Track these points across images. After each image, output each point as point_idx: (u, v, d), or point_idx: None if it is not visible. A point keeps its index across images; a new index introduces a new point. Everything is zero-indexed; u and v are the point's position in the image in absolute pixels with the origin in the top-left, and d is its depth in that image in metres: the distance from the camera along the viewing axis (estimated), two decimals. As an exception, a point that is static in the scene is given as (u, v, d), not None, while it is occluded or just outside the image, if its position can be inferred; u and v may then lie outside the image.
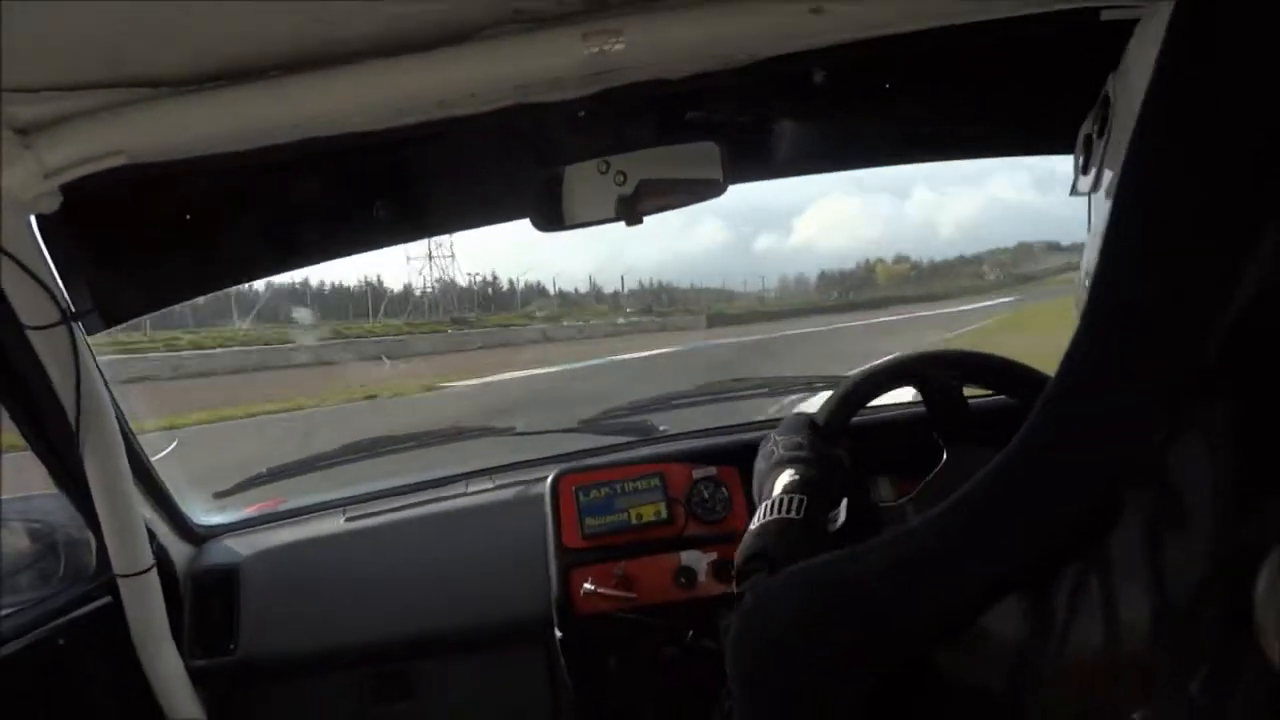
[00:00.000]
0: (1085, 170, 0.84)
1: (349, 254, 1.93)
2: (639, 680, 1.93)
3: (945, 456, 1.30)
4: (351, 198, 1.77)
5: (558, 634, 1.87)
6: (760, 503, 1.22)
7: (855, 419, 1.43)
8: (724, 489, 1.92)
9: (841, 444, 1.35)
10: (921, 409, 1.88)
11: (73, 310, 1.47)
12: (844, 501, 1.16)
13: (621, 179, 1.47)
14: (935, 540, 0.60)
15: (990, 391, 1.46)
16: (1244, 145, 0.43)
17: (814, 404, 1.79)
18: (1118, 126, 0.78)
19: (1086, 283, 0.82)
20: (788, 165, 1.89)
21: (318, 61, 1.15)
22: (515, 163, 1.54)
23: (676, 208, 1.50)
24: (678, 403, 2.55)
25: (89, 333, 1.58)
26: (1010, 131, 1.58)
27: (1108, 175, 0.79)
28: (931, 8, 1.19)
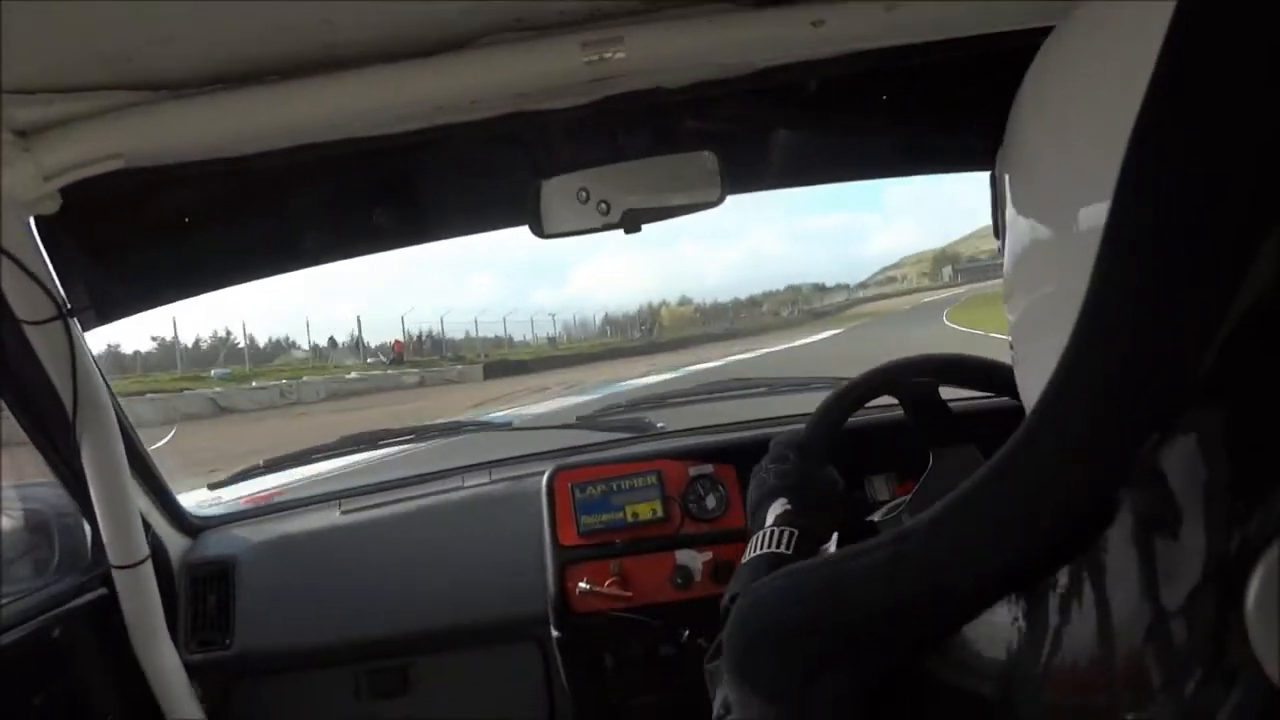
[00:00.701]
0: (998, 236, 0.85)
1: (345, 257, 1.94)
2: (635, 679, 1.93)
3: (931, 461, 1.30)
4: (349, 202, 1.78)
5: (554, 632, 1.87)
6: (753, 533, 1.23)
7: (850, 421, 1.43)
8: (720, 487, 1.91)
9: (829, 462, 1.35)
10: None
11: (69, 306, 1.47)
12: (834, 536, 1.17)
13: (605, 208, 1.47)
14: (929, 541, 0.60)
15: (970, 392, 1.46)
16: (1248, 147, 0.43)
17: (810, 403, 1.80)
18: (1008, 196, 0.79)
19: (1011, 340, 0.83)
20: (786, 176, 1.90)
21: (317, 66, 1.15)
22: (513, 170, 1.53)
23: (674, 216, 1.50)
24: (675, 400, 2.55)
25: (85, 328, 1.59)
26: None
27: (1008, 245, 0.80)
28: (932, 21, 1.19)
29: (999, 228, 0.84)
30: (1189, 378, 0.45)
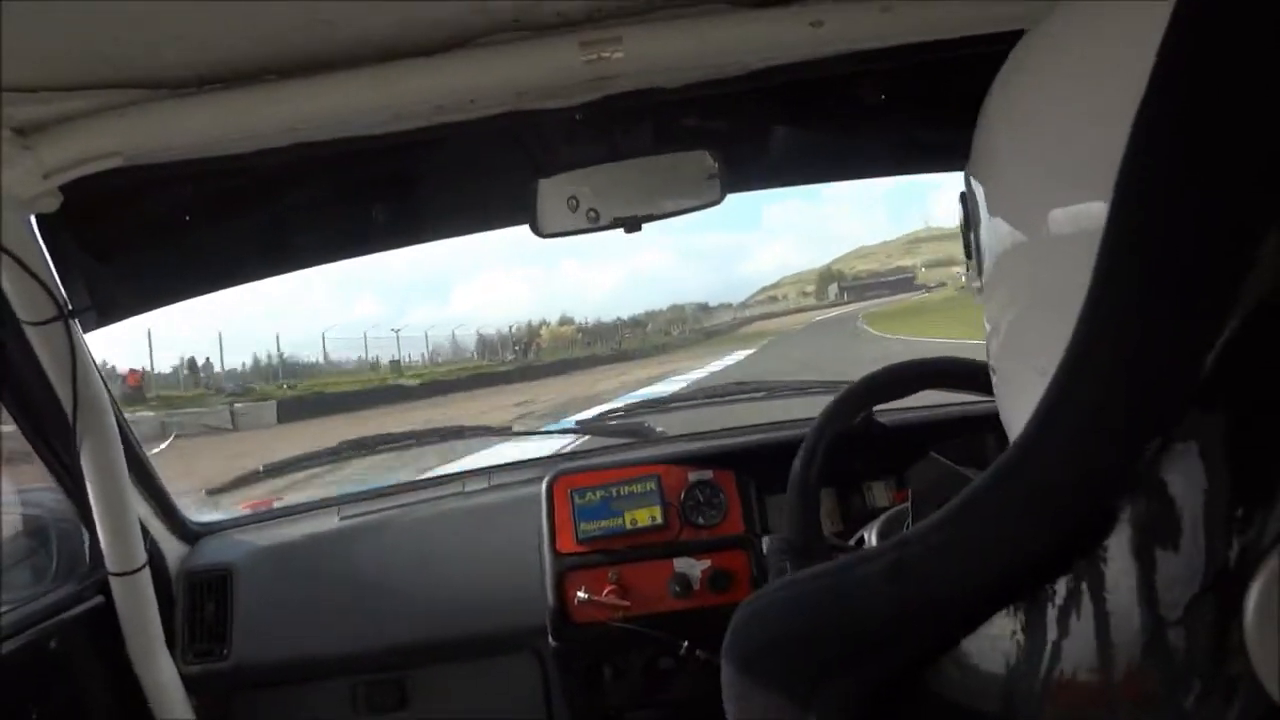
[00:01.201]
0: (969, 255, 0.84)
1: (344, 258, 1.96)
2: (634, 691, 1.92)
3: (910, 486, 1.31)
4: (348, 202, 1.78)
5: (552, 643, 1.86)
6: None
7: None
8: (720, 493, 1.90)
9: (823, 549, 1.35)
10: (914, 416, 1.90)
11: (70, 307, 1.47)
12: None
13: (594, 215, 1.48)
14: (929, 549, 0.59)
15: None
16: (1247, 149, 0.42)
17: (809, 407, 1.79)
18: (980, 203, 0.78)
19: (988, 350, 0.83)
20: (783, 175, 1.90)
21: (316, 65, 1.16)
22: (512, 169, 1.54)
23: (672, 216, 1.50)
24: (675, 405, 2.55)
25: (85, 330, 1.59)
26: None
27: (983, 253, 0.79)
28: (930, 21, 1.19)
29: (968, 246, 0.84)
30: (1190, 382, 0.44)
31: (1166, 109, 0.45)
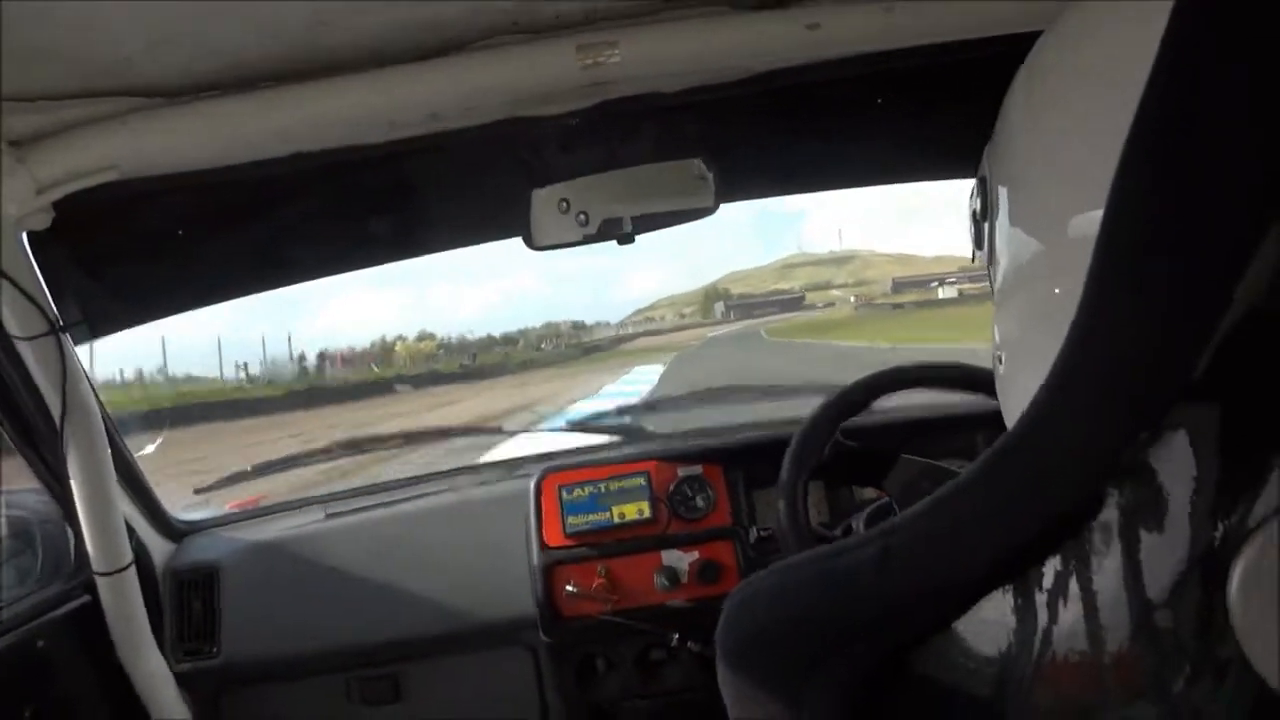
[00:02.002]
0: (979, 246, 0.85)
1: (337, 272, 1.94)
2: (626, 682, 1.92)
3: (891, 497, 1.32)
4: (342, 215, 1.77)
5: (543, 637, 1.87)
6: None
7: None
8: (708, 487, 1.91)
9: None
10: (908, 416, 1.91)
11: (61, 322, 1.46)
12: None
13: (584, 219, 1.47)
14: (916, 536, 0.60)
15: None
16: (1244, 150, 0.43)
17: (799, 408, 1.79)
18: (1000, 203, 0.78)
19: (999, 350, 0.83)
20: (781, 183, 1.89)
21: (312, 72, 1.15)
22: (507, 180, 1.52)
23: (667, 226, 1.50)
24: (665, 405, 2.55)
25: (77, 343, 1.58)
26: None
27: (1000, 254, 0.79)
28: (927, 24, 1.20)
29: (980, 237, 0.84)
30: (1183, 379, 0.45)
31: (1164, 110, 0.45)
